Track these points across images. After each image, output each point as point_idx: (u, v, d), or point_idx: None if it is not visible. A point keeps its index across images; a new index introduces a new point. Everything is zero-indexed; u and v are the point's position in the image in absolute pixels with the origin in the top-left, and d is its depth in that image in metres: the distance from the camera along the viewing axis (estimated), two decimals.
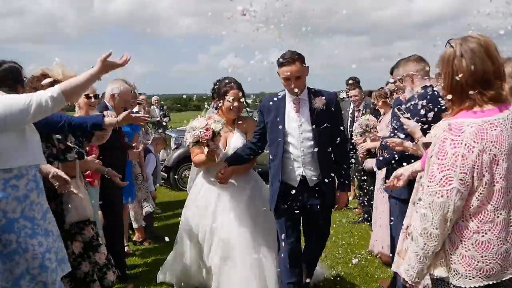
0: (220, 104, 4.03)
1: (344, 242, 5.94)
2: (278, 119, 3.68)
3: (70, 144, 3.63)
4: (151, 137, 6.57)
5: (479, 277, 1.96)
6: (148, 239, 6.20)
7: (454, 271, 2.00)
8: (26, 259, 2.79)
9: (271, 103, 3.75)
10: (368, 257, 5.38)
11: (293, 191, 3.68)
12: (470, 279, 1.97)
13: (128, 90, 4.97)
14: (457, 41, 2.05)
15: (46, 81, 3.44)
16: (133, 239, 6.15)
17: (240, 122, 4.13)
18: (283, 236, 3.77)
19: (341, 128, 3.81)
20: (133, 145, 4.89)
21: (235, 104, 3.96)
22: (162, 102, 14.25)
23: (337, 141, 3.69)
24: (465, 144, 1.91)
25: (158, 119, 12.33)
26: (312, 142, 3.65)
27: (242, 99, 4.02)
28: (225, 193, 4.07)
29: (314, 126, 3.63)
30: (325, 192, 3.74)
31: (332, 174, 3.76)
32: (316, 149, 3.63)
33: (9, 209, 2.74)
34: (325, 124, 3.63)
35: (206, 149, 3.77)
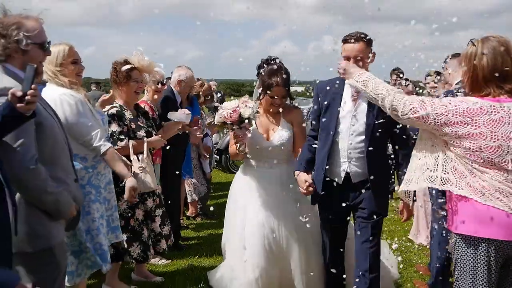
0: (262, 95, 3.76)
1: (385, 229, 6.19)
2: (333, 104, 3.39)
3: (140, 124, 4.09)
4: (205, 121, 6.97)
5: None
6: (200, 215, 6.69)
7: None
8: (88, 220, 3.34)
9: (328, 87, 3.44)
10: (408, 244, 5.61)
11: (337, 189, 3.40)
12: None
13: (193, 77, 5.47)
14: (479, 40, 2.37)
15: (126, 67, 3.93)
16: (187, 214, 6.66)
17: (285, 112, 3.81)
18: (325, 237, 3.57)
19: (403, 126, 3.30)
20: (194, 128, 5.21)
21: (277, 101, 3.71)
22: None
23: (397, 140, 3.36)
24: (456, 110, 2.29)
25: (216, 104, 12.74)
26: (363, 137, 3.31)
27: (286, 95, 3.75)
28: (264, 191, 3.76)
29: (368, 119, 3.30)
30: (375, 195, 3.37)
31: (386, 177, 3.42)
32: (366, 145, 3.29)
33: (78, 176, 3.25)
34: (382, 120, 3.21)
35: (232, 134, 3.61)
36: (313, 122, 3.57)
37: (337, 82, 3.42)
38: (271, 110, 3.80)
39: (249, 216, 3.75)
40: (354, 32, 3.27)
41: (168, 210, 4.44)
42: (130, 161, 3.83)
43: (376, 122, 3.27)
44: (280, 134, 3.76)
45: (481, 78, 2.33)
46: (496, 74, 2.29)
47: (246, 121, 3.52)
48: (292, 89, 3.95)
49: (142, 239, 4.03)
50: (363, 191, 3.39)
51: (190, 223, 6.47)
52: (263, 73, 3.74)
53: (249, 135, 3.62)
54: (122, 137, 3.93)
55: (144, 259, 4.08)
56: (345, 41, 3.28)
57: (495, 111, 2.27)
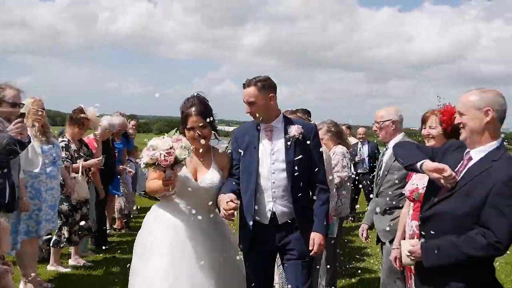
0: (182, 129, 3.46)
1: None
2: (251, 147, 3.40)
3: (81, 154, 5.99)
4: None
5: None
6: (125, 228, 8.50)
7: None
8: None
9: (244, 130, 3.50)
10: None
11: (265, 230, 3.36)
12: None
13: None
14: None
15: (82, 115, 5.87)
16: (113, 227, 8.45)
17: (215, 155, 3.57)
18: (255, 282, 3.41)
19: (318, 162, 3.43)
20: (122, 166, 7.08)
21: (195, 133, 3.38)
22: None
23: (314, 176, 3.40)
24: None
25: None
26: (284, 174, 3.31)
27: (206, 124, 3.40)
28: (185, 234, 3.38)
29: (287, 157, 3.32)
30: (300, 231, 3.36)
31: (311, 214, 3.39)
32: (290, 182, 3.30)
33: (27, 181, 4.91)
34: (300, 156, 3.29)
35: (163, 176, 3.19)
36: (237, 163, 3.51)
37: (252, 125, 3.48)
38: (197, 147, 3.43)
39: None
40: (254, 77, 3.33)
41: (98, 214, 6.35)
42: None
43: (295, 159, 3.30)
44: (209, 177, 3.47)
45: None
46: None
47: (182, 162, 3.20)
48: (220, 127, 3.79)
49: (75, 231, 5.88)
50: (288, 229, 3.37)
51: (116, 233, 8.29)
52: (181, 105, 3.50)
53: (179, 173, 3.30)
54: (66, 162, 5.80)
55: (76, 243, 5.99)
56: (243, 85, 3.40)
57: None
